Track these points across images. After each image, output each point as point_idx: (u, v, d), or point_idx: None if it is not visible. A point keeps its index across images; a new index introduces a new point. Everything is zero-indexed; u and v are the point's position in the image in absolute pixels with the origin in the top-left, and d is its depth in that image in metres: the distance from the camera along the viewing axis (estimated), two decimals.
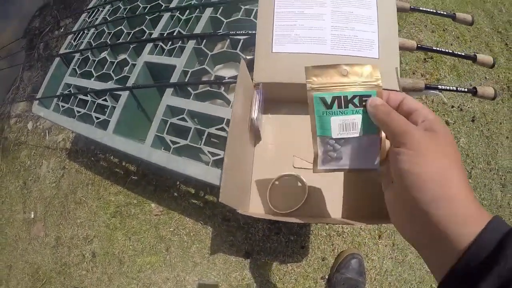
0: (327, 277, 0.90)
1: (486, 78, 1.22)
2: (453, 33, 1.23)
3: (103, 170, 1.16)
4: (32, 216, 1.24)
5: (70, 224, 1.14)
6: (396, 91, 0.28)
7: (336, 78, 0.30)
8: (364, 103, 0.30)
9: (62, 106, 0.92)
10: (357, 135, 0.30)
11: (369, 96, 0.30)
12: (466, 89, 0.71)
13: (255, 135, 0.61)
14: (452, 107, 1.13)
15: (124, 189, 1.09)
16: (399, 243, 0.97)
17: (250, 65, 0.61)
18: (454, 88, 0.72)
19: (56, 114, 0.93)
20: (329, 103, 0.30)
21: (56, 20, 1.59)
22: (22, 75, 1.63)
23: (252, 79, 0.59)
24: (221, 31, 0.76)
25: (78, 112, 0.87)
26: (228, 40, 0.75)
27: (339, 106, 0.30)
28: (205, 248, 0.95)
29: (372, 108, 0.29)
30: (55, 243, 1.14)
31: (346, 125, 0.31)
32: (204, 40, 0.77)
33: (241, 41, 0.72)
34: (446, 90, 0.72)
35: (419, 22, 1.20)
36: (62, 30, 1.57)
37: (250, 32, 0.74)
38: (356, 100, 0.30)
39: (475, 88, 0.69)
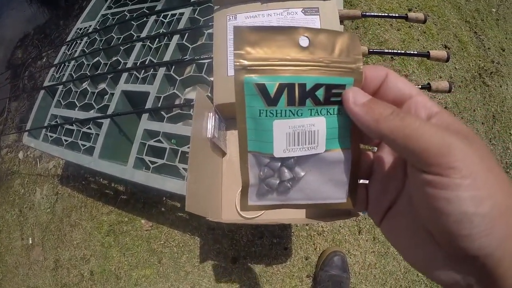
0: (312, 275, 1.02)
1: (456, 68, 1.34)
2: (419, 28, 1.36)
3: (94, 193, 1.30)
4: (30, 242, 1.38)
5: (67, 246, 1.28)
6: (373, 65, 0.21)
7: (287, 52, 0.19)
8: (333, 99, 0.20)
9: (51, 136, 1.06)
10: (318, 151, 0.21)
11: (342, 87, 0.20)
12: (419, 86, 0.82)
13: (219, 150, 0.74)
14: None
15: (115, 208, 1.23)
16: (380, 237, 1.08)
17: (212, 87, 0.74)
18: None
19: (45, 144, 1.06)
20: (272, 95, 0.19)
21: (38, 51, 1.74)
22: (9, 106, 1.78)
23: (212, 101, 0.73)
24: (187, 56, 0.90)
25: (66, 140, 1.01)
26: (194, 64, 0.88)
27: (290, 102, 0.20)
28: (194, 257, 1.07)
29: (364, 110, 0.19)
30: (54, 266, 1.27)
31: (300, 134, 0.20)
32: (173, 66, 0.90)
33: (206, 64, 0.86)
34: None
35: (384, 22, 1.33)
36: (44, 60, 1.72)
37: (212, 56, 0.87)
38: (319, 93, 0.20)
39: (429, 84, 0.78)
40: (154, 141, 0.84)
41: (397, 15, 0.94)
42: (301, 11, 0.79)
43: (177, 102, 0.89)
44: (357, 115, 0.19)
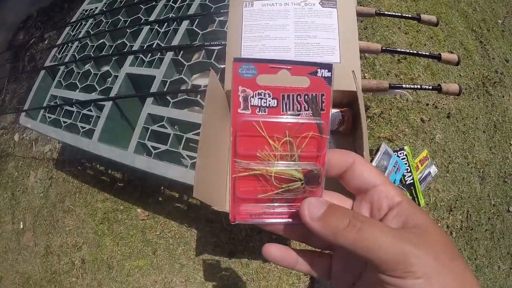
0: None
1: (460, 75, 1.32)
2: (427, 33, 1.33)
3: (89, 178, 1.24)
4: (21, 226, 1.31)
5: (59, 232, 1.21)
6: (342, 150, 0.22)
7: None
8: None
9: (49, 117, 1.00)
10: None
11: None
12: (430, 87, 0.80)
13: (228, 136, 0.69)
14: (427, 104, 1.22)
15: (110, 195, 1.17)
16: None
17: (223, 73, 0.70)
18: (419, 86, 0.80)
19: (43, 125, 1.00)
20: None
21: (40, 32, 1.67)
22: (8, 87, 1.70)
23: (223, 87, 0.68)
24: (197, 42, 0.85)
25: (65, 122, 0.95)
26: (204, 50, 0.83)
27: None
28: (190, 250, 1.02)
29: (320, 225, 0.20)
30: (45, 252, 1.21)
31: None
32: (181, 52, 0.85)
33: (216, 51, 0.81)
34: (410, 88, 0.81)
35: (393, 24, 1.30)
36: (46, 43, 1.65)
37: (223, 42, 0.82)
38: None
39: (439, 85, 0.77)
40: (158, 126, 0.79)
41: (410, 15, 0.92)
42: (319, 3, 0.75)
43: (183, 87, 0.84)
44: (315, 230, 0.20)
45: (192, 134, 0.75)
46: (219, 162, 0.67)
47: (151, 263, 1.05)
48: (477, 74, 1.34)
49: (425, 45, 1.30)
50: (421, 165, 1.12)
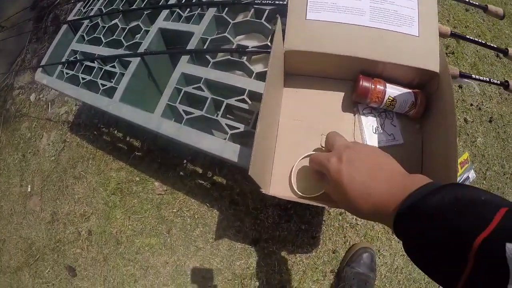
0: (336, 270, 0.82)
1: (504, 78, 1.15)
2: (475, 31, 1.16)
3: (105, 145, 1.07)
4: (29, 189, 1.15)
5: (67, 199, 1.05)
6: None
7: None
8: None
9: (67, 73, 0.83)
10: None
11: None
12: (498, 82, 0.68)
13: (279, 110, 0.53)
14: (471, 105, 1.05)
15: (126, 165, 1.00)
16: None
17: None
18: (487, 79, 0.69)
19: (59, 81, 0.84)
20: None
21: None
22: (28, 47, 1.52)
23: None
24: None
25: (83, 79, 0.79)
26: (252, 9, 0.66)
27: None
28: (209, 232, 0.86)
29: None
30: (51, 219, 1.05)
31: None
32: (226, 8, 0.68)
33: (267, 11, 0.64)
34: (479, 80, 0.69)
35: (442, 16, 1.12)
36: (72, 1, 1.47)
37: (277, 2, 0.65)
38: None
39: (507, 81, 0.65)
40: (193, 88, 0.62)
41: (477, 3, 0.78)
42: None
43: (226, 48, 0.67)
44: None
45: (235, 100, 0.58)
46: (270, 136, 0.50)
47: (164, 243, 0.89)
48: None
49: None
50: (461, 168, 0.96)
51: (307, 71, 0.57)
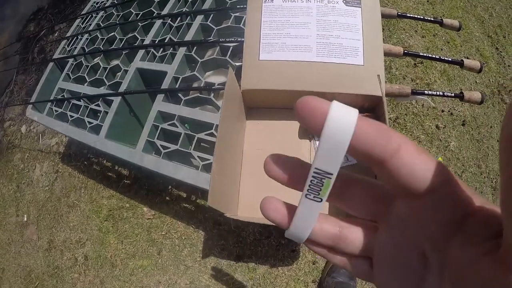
0: (318, 280, 0.92)
1: (476, 82, 1.25)
2: (444, 38, 1.26)
3: (96, 174, 1.19)
4: (25, 219, 1.26)
5: (63, 227, 1.16)
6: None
7: None
8: None
9: (56, 111, 0.94)
10: None
11: None
12: (453, 94, 0.75)
13: (242, 139, 0.64)
14: (442, 111, 1.15)
15: (116, 193, 1.11)
16: None
17: (238, 72, 0.64)
18: (441, 93, 0.75)
19: (49, 118, 0.95)
20: None
21: (50, 25, 1.61)
22: (16, 79, 1.65)
23: (239, 86, 0.62)
24: (211, 38, 0.79)
25: (71, 116, 0.90)
26: (218, 47, 0.77)
27: None
28: (196, 251, 0.97)
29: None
30: (48, 246, 1.16)
31: None
32: (195, 47, 0.79)
33: (231, 48, 0.75)
34: (432, 95, 0.75)
35: (410, 27, 1.23)
36: (56, 35, 1.60)
37: (239, 39, 0.76)
38: None
39: (462, 93, 0.72)
40: (168, 125, 0.73)
41: (432, 19, 0.86)
42: (343, 1, 0.69)
43: (195, 85, 0.78)
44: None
45: (204, 134, 0.69)
46: (233, 165, 0.61)
47: (155, 263, 0.99)
48: (492, 81, 1.27)
49: (441, 49, 1.23)
50: None
51: (265, 104, 0.68)
